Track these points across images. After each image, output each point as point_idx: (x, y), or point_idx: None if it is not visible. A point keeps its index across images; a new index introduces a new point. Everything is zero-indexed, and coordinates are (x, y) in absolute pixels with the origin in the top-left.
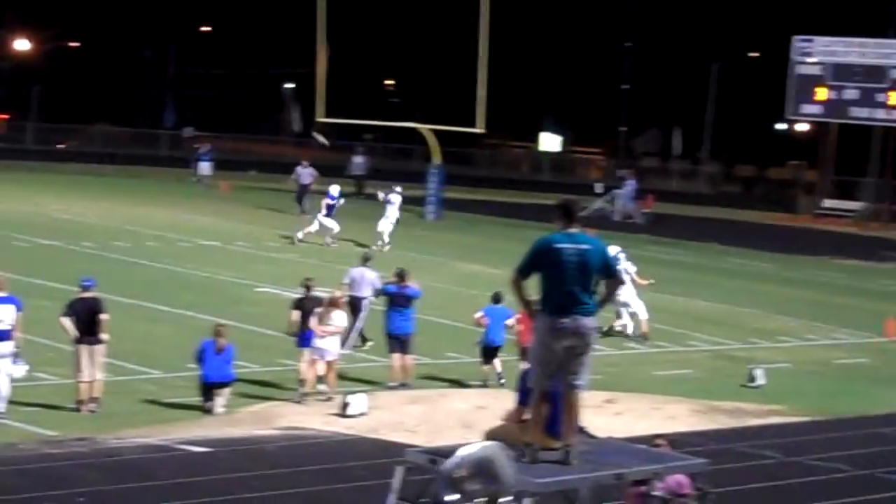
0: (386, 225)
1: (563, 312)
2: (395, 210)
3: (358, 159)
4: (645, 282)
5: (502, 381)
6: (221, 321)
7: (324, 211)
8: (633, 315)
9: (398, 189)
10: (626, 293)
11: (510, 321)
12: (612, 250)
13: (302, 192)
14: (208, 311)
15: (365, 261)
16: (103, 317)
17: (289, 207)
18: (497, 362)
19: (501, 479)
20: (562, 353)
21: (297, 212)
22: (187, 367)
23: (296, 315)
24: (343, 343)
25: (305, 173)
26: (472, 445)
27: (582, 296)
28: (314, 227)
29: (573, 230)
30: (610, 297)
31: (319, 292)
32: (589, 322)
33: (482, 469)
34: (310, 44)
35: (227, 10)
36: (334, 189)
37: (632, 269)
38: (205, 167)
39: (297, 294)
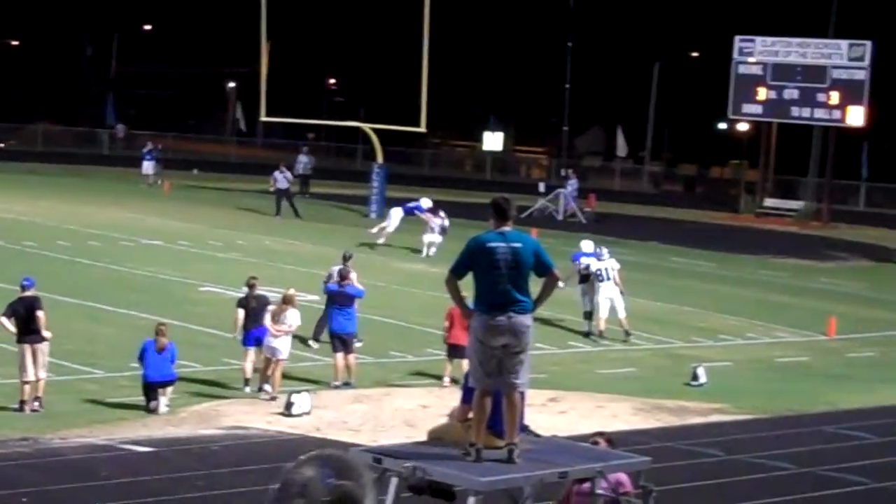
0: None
1: (497, 311)
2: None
3: (303, 158)
4: (621, 283)
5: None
6: (163, 320)
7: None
8: (590, 314)
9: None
10: (607, 290)
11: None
12: (587, 246)
13: (279, 196)
14: (151, 310)
15: (345, 259)
16: (39, 314)
17: (228, 205)
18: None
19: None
20: (499, 352)
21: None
22: (130, 366)
23: (241, 314)
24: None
25: (282, 178)
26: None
27: (516, 294)
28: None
29: (506, 228)
30: (547, 294)
31: (264, 291)
32: (524, 320)
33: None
34: (253, 42)
35: (168, 9)
36: (425, 202)
37: (615, 266)
38: (148, 166)
39: (241, 293)
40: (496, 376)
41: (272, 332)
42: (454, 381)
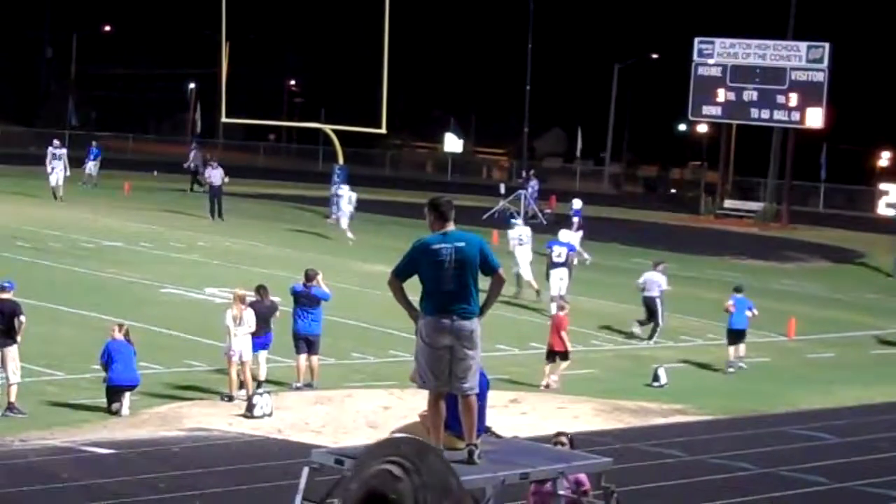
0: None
1: (442, 313)
2: None
3: (193, 154)
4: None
5: (742, 365)
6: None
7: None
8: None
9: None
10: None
11: (750, 312)
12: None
13: (213, 194)
14: (112, 312)
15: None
16: (22, 319)
17: (192, 208)
18: (742, 346)
19: None
20: (446, 354)
21: (208, 216)
22: (91, 368)
23: (251, 319)
24: None
25: (216, 174)
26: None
27: (460, 296)
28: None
29: (449, 229)
30: (494, 296)
31: (224, 292)
32: (468, 324)
33: None
34: (213, 44)
35: (128, 10)
36: (577, 203)
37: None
38: (90, 166)
39: (203, 295)
40: (446, 379)
41: (234, 334)
42: (546, 386)
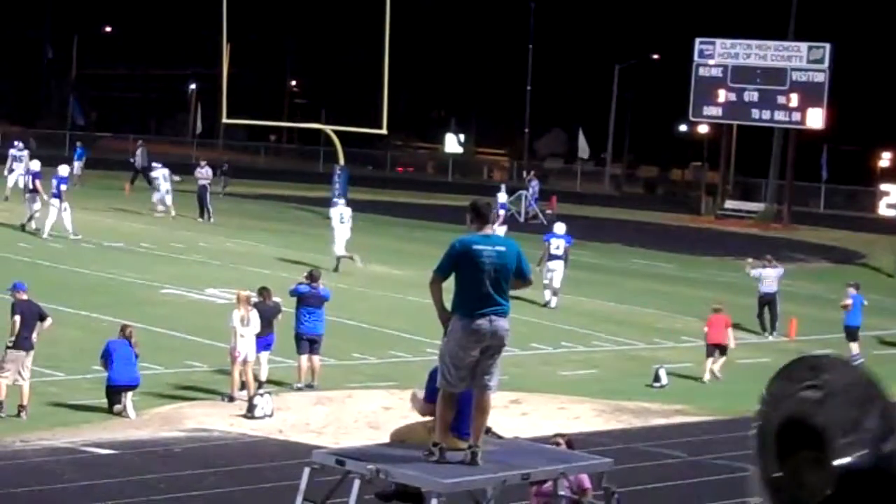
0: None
1: (479, 314)
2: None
3: (139, 151)
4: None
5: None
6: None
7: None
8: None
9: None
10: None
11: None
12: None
13: (200, 194)
14: (113, 312)
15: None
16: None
17: (192, 209)
18: (854, 345)
19: None
20: (476, 355)
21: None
22: (92, 369)
23: (256, 320)
24: None
25: (202, 174)
26: None
27: (497, 297)
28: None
29: (489, 231)
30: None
31: (226, 292)
32: (504, 323)
33: None
34: (214, 44)
35: (129, 11)
36: (502, 196)
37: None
38: (75, 166)
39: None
40: (469, 379)
41: (240, 335)
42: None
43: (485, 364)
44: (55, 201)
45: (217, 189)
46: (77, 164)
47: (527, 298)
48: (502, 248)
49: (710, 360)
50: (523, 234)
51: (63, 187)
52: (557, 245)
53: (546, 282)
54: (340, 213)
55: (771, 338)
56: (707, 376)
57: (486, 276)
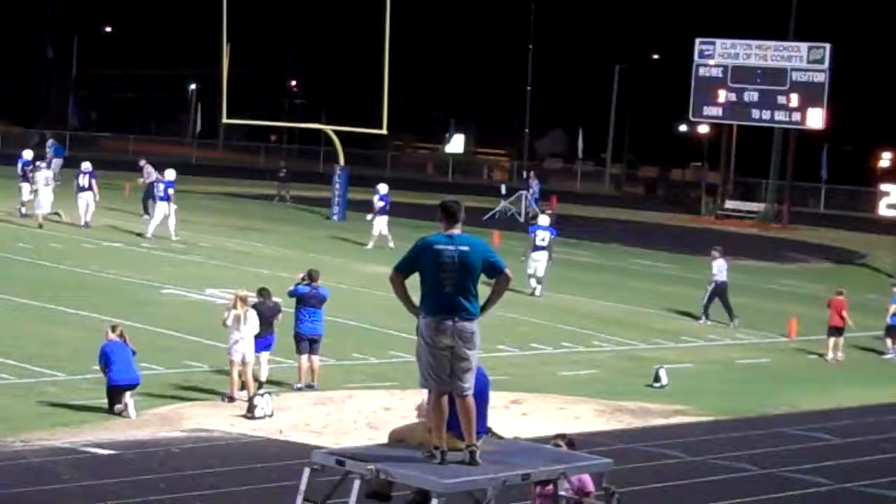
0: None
1: (443, 314)
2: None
3: (50, 144)
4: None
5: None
6: (125, 322)
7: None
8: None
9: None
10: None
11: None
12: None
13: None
14: (113, 313)
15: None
16: None
17: (191, 209)
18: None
19: None
20: (447, 353)
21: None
22: (92, 369)
23: (255, 319)
24: None
25: (152, 171)
26: None
27: (461, 300)
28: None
29: (455, 231)
30: (497, 296)
31: (225, 292)
32: (469, 325)
33: None
34: (214, 44)
35: (129, 11)
36: (383, 188)
37: None
38: (57, 164)
39: (205, 296)
40: (447, 379)
41: (238, 335)
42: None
43: (457, 366)
44: (163, 204)
45: (283, 193)
46: (56, 162)
47: (514, 289)
48: (465, 248)
49: (832, 341)
50: (523, 234)
51: (171, 191)
52: (543, 237)
53: (530, 272)
54: (45, 177)
55: (736, 322)
56: (830, 355)
57: (447, 277)
